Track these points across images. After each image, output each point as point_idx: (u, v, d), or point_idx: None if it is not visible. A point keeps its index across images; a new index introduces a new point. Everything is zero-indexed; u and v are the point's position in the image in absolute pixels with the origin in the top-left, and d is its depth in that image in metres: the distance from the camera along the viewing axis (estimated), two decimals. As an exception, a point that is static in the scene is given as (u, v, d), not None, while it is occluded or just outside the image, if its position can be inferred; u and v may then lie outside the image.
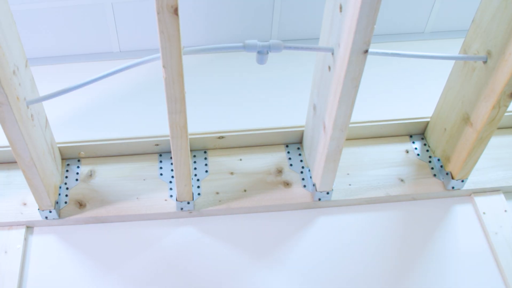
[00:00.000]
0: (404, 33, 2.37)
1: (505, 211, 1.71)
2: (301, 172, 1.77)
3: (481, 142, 1.57)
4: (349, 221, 1.69)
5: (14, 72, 1.31)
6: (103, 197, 1.70)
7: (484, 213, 1.70)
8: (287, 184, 1.74)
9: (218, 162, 1.79)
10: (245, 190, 1.72)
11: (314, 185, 1.69)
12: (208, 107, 2.04)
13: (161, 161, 1.79)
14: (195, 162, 1.79)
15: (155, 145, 1.79)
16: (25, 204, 1.67)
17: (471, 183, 1.75)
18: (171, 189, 1.72)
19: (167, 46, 1.16)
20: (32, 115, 1.44)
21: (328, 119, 1.43)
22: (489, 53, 1.43)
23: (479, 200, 1.74)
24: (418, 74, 2.18)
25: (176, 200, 1.64)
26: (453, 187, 1.72)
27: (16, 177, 1.74)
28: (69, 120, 2.00)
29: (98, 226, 1.68)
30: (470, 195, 1.76)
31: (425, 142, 1.85)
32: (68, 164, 1.77)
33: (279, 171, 1.78)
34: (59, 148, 1.75)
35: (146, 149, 1.80)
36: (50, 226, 1.67)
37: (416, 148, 1.84)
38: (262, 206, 1.69)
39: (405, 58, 2.15)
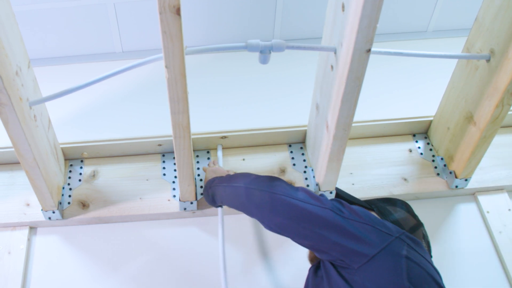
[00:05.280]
0: (407, 32, 2.37)
1: (509, 210, 1.70)
2: (304, 172, 1.76)
3: (485, 141, 1.56)
4: (352, 221, 1.68)
5: (16, 73, 1.31)
6: (106, 198, 1.70)
7: (488, 212, 1.70)
8: (290, 183, 1.73)
9: (221, 162, 1.79)
10: (248, 190, 1.72)
11: (317, 184, 1.68)
12: (210, 107, 2.04)
13: (164, 161, 1.79)
14: (198, 162, 1.79)
15: (158, 145, 1.79)
16: (28, 204, 1.67)
17: (474, 182, 1.74)
18: (174, 189, 1.72)
19: (170, 46, 1.16)
20: (35, 116, 1.44)
21: (331, 119, 1.43)
22: (492, 52, 1.43)
23: (482, 199, 1.73)
24: (421, 73, 2.18)
25: (179, 200, 1.64)
26: (456, 186, 1.72)
27: (19, 177, 1.74)
28: (72, 120, 2.00)
29: (101, 227, 1.68)
30: (473, 194, 1.76)
31: (428, 141, 1.85)
32: (71, 165, 1.77)
33: (282, 171, 1.77)
34: (62, 149, 1.75)
35: (149, 149, 1.80)
36: (53, 227, 1.67)
37: (419, 147, 1.84)
38: (265, 206, 1.69)
39: (407, 57, 2.14)
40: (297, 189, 1.28)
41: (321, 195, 1.27)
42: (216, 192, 1.47)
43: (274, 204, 1.25)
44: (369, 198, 1.51)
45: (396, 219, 1.31)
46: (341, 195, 1.50)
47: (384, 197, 1.57)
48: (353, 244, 1.13)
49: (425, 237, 1.33)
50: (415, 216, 1.35)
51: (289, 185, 1.31)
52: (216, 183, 1.49)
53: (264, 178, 1.35)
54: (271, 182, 1.31)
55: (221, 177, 1.50)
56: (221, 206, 1.53)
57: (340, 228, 1.16)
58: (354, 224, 1.16)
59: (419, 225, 1.34)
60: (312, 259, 1.45)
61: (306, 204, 1.21)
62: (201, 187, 1.72)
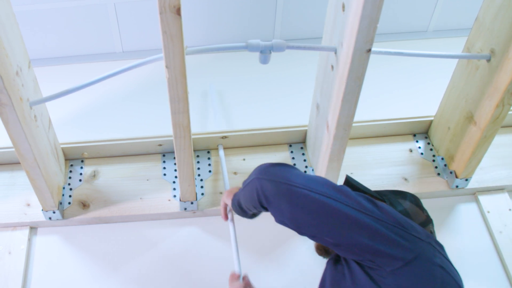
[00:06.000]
0: (407, 32, 2.37)
1: (510, 209, 1.70)
2: (305, 172, 1.76)
3: (485, 140, 1.56)
4: (352, 221, 1.68)
5: (17, 73, 1.31)
6: (107, 198, 1.70)
7: (488, 212, 1.70)
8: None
9: (224, 161, 1.79)
10: (248, 190, 1.72)
11: (317, 184, 1.68)
12: (211, 107, 2.04)
13: (164, 161, 1.79)
14: (198, 162, 1.79)
15: (158, 145, 1.79)
16: (28, 205, 1.67)
17: (475, 181, 1.74)
18: (174, 189, 1.72)
19: (170, 46, 1.16)
20: (35, 116, 1.44)
21: (332, 119, 1.43)
22: (492, 52, 1.43)
23: (483, 199, 1.73)
24: (421, 73, 2.18)
25: (180, 200, 1.64)
26: (457, 186, 1.72)
27: (19, 178, 1.74)
28: (72, 120, 2.00)
29: (101, 227, 1.68)
30: (474, 194, 1.76)
31: (429, 141, 1.85)
32: (71, 165, 1.77)
33: (283, 171, 1.77)
34: (63, 149, 1.75)
35: (149, 149, 1.80)
36: (53, 227, 1.67)
37: (419, 147, 1.84)
38: (266, 205, 1.69)
39: (408, 57, 2.14)
40: (317, 179, 1.14)
41: (344, 186, 1.16)
42: (240, 201, 1.30)
43: (293, 198, 1.11)
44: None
45: (408, 213, 1.28)
46: (352, 183, 1.44)
47: (395, 189, 1.54)
48: (388, 248, 1.05)
49: (433, 234, 1.31)
50: (424, 211, 1.32)
51: (307, 175, 1.16)
52: (237, 193, 1.32)
53: (278, 166, 1.19)
54: (287, 172, 1.15)
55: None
56: (255, 215, 1.34)
57: (372, 230, 1.06)
58: (386, 225, 1.07)
59: (428, 221, 1.31)
60: (318, 247, 1.39)
61: (332, 200, 1.09)
62: (201, 187, 1.72)
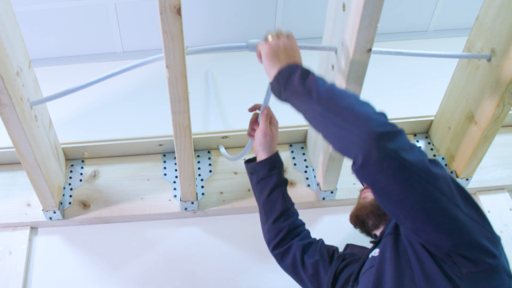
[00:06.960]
0: (408, 32, 2.37)
1: (510, 209, 1.70)
2: (305, 172, 1.76)
3: (486, 140, 1.56)
4: (353, 220, 1.68)
5: (17, 73, 1.31)
6: (107, 198, 1.70)
7: (489, 211, 1.70)
8: (291, 183, 1.73)
9: (222, 162, 1.79)
10: (249, 190, 1.72)
11: (318, 184, 1.68)
12: (211, 107, 2.04)
13: (165, 161, 1.79)
14: (199, 162, 1.79)
15: (159, 145, 1.79)
16: (29, 205, 1.67)
17: (475, 181, 1.74)
18: (175, 189, 1.72)
19: (170, 46, 1.16)
20: (35, 116, 1.44)
21: (332, 118, 1.43)
22: (493, 51, 1.43)
23: (484, 198, 1.73)
24: (421, 72, 2.18)
25: (180, 200, 1.64)
26: (457, 186, 1.72)
27: (20, 178, 1.74)
28: (73, 120, 2.00)
29: (102, 227, 1.68)
30: (474, 193, 1.76)
31: (429, 141, 1.85)
32: (72, 165, 1.77)
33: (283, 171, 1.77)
34: (63, 149, 1.75)
35: (149, 149, 1.80)
36: (54, 227, 1.67)
37: (420, 147, 1.83)
38: (266, 205, 1.69)
39: (408, 57, 2.14)
40: (436, 165, 0.94)
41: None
42: (294, 103, 1.07)
43: (407, 181, 0.89)
44: None
45: None
46: None
47: None
48: (478, 247, 0.94)
49: None
50: None
51: (428, 163, 0.92)
52: (300, 91, 1.05)
53: (398, 136, 0.91)
54: (408, 151, 0.90)
55: (313, 80, 1.04)
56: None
57: (467, 229, 0.93)
58: (481, 230, 0.96)
59: None
60: (355, 217, 1.25)
61: (441, 195, 0.91)
62: (202, 186, 1.72)
